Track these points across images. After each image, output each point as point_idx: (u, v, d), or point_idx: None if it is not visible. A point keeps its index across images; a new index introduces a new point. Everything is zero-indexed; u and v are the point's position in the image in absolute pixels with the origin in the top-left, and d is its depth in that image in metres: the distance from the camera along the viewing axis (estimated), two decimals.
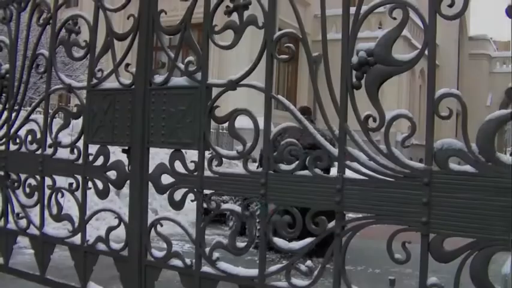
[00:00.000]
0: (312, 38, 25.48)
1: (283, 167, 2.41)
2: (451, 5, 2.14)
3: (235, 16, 2.56)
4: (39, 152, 3.31)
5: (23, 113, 3.55)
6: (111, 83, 3.05)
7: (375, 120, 2.21)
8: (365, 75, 2.22)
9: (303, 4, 27.39)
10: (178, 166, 2.73)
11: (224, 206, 2.71)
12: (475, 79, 42.53)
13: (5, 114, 3.57)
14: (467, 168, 2.01)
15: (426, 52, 2.11)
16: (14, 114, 3.52)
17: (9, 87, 3.54)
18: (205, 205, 2.64)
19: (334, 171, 2.31)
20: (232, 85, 2.57)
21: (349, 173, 2.26)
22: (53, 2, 3.37)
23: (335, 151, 2.30)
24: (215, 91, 2.66)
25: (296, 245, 2.38)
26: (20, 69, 3.53)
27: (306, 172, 2.34)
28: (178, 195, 2.73)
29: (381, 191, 2.16)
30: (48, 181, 3.27)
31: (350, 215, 2.29)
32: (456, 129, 35.00)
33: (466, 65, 43.27)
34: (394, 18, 2.23)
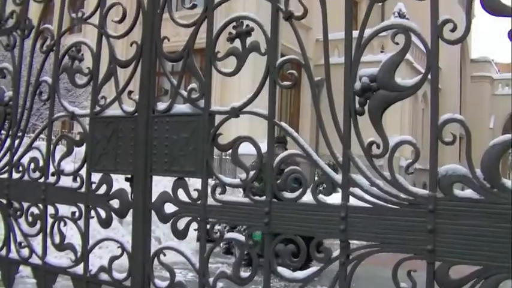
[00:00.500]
0: (314, 62, 25.46)
1: (287, 194, 2.40)
2: (453, 30, 2.14)
3: (237, 42, 2.57)
4: (41, 180, 3.30)
5: (26, 140, 3.55)
6: (114, 111, 3.04)
7: (378, 146, 2.20)
8: (368, 101, 2.21)
9: (305, 28, 27.51)
10: (181, 194, 2.71)
11: (227, 235, 2.69)
12: (477, 101, 42.67)
13: (8, 141, 3.56)
14: (472, 194, 1.99)
15: (429, 76, 2.11)
16: (17, 141, 3.51)
17: (12, 115, 3.54)
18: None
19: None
20: (235, 112, 2.57)
21: (352, 200, 2.24)
22: (56, 29, 3.38)
23: (338, 178, 2.28)
24: (218, 118, 2.66)
25: (300, 274, 2.35)
26: (24, 96, 3.53)
27: (309, 199, 2.33)
28: (181, 223, 2.71)
29: (386, 218, 2.14)
30: (50, 210, 3.25)
31: (354, 243, 2.27)
32: (460, 153, 34.99)
33: (468, 88, 43.42)
34: (397, 43, 2.23)
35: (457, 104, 39.35)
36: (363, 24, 2.27)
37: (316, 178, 2.58)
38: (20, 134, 3.51)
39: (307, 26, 27.74)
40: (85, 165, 3.11)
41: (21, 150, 3.51)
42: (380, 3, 2.39)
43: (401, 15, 26.62)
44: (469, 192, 2.00)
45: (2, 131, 3.64)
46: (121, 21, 3.08)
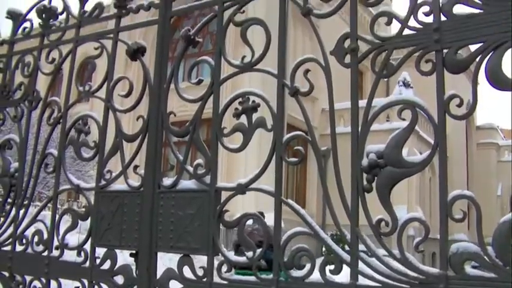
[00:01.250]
0: (319, 132, 25.70)
1: (295, 273, 2.35)
2: (460, 105, 2.15)
3: (244, 118, 2.57)
4: (45, 253, 3.26)
5: (31, 209, 3.53)
6: (119, 185, 3.03)
7: (387, 224, 2.17)
8: (376, 177, 2.20)
9: (311, 99, 27.67)
10: (186, 271, 2.66)
11: None
12: (484, 168, 42.60)
13: (13, 212, 3.54)
14: (484, 272, 1.95)
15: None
16: (22, 211, 3.49)
17: (17, 186, 3.53)
18: None
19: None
20: (242, 189, 2.55)
21: (361, 279, 2.19)
22: (63, 102, 3.41)
23: (347, 257, 2.24)
24: (224, 194, 2.63)
25: None
26: (30, 164, 3.53)
27: (317, 278, 2.28)
28: None
29: None
30: (54, 284, 3.20)
31: None
32: (468, 220, 34.69)
33: (474, 155, 43.44)
34: (403, 119, 2.23)
35: (464, 172, 39.27)
36: (368, 102, 2.27)
37: (323, 253, 2.54)
38: (25, 202, 3.48)
39: (313, 97, 27.89)
40: (89, 239, 3.07)
41: (25, 222, 3.48)
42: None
43: (406, 84, 26.86)
44: (480, 270, 1.96)
45: (7, 202, 3.62)
46: (128, 95, 3.10)
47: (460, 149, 38.16)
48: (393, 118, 24.26)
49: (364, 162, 2.21)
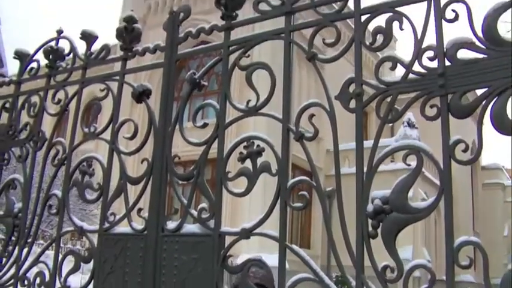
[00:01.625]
0: (324, 172, 25.66)
1: None
2: (465, 150, 2.14)
3: (248, 162, 2.57)
4: None
5: (34, 248, 3.50)
6: (123, 228, 3.01)
7: (392, 270, 2.14)
8: (381, 223, 2.18)
9: (316, 139, 27.55)
10: None
11: None
12: (490, 209, 42.35)
13: (15, 253, 3.52)
14: None
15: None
16: (25, 250, 3.46)
17: (20, 226, 3.52)
18: None
19: None
20: (246, 234, 2.52)
21: None
22: (68, 143, 3.41)
23: None
24: (228, 238, 2.61)
25: None
26: (34, 202, 3.51)
27: None
28: None
29: None
30: None
31: None
32: (475, 264, 34.35)
33: (480, 195, 43.22)
34: (409, 165, 2.22)
35: (470, 212, 39.03)
36: (373, 148, 2.27)
37: None
38: (29, 240, 3.46)
39: (318, 137, 27.82)
40: (92, 283, 3.04)
41: (27, 263, 3.45)
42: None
43: (410, 125, 26.82)
44: None
45: (10, 242, 3.60)
46: (132, 137, 3.11)
47: (465, 189, 37.98)
48: (398, 159, 24.24)
49: (369, 208, 2.19)
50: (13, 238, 3.57)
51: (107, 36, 4.36)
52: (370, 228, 2.20)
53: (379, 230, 2.19)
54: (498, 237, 39.75)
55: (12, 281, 3.46)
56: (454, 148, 2.12)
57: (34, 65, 3.84)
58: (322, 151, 28.02)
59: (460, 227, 29.91)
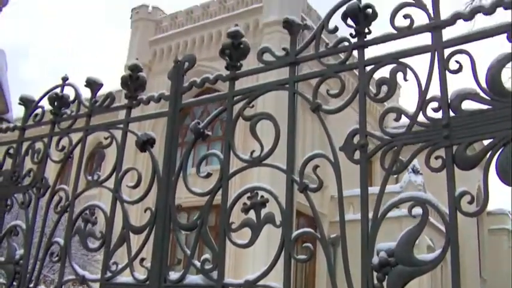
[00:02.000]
0: (329, 219, 25.51)
1: None
2: (471, 202, 2.13)
3: (252, 213, 2.55)
4: None
5: None
6: (125, 277, 2.98)
7: None
8: (386, 276, 2.15)
9: None
10: None
11: None
12: (496, 255, 41.93)
13: None
14: None
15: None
16: None
17: (22, 273, 3.48)
18: None
19: None
20: (249, 285, 2.48)
21: None
22: (71, 190, 3.40)
23: None
24: None
25: None
26: (36, 250, 3.48)
27: None
28: None
29: None
30: None
31: None
32: None
33: (486, 241, 42.86)
34: (414, 217, 2.20)
35: (476, 258, 38.63)
36: (378, 200, 2.24)
37: None
38: (30, 286, 3.42)
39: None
40: None
41: None
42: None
43: (415, 171, 26.75)
44: None
45: None
46: (136, 186, 3.10)
47: (471, 235, 37.65)
48: (402, 205, 24.08)
49: (375, 260, 2.16)
50: (14, 283, 3.53)
51: (113, 78, 4.38)
52: (375, 281, 2.17)
53: (384, 283, 2.16)
54: (505, 283, 39.24)
55: None
56: (459, 200, 2.09)
57: (39, 110, 3.86)
58: (326, 197, 27.82)
59: (466, 274, 29.61)
